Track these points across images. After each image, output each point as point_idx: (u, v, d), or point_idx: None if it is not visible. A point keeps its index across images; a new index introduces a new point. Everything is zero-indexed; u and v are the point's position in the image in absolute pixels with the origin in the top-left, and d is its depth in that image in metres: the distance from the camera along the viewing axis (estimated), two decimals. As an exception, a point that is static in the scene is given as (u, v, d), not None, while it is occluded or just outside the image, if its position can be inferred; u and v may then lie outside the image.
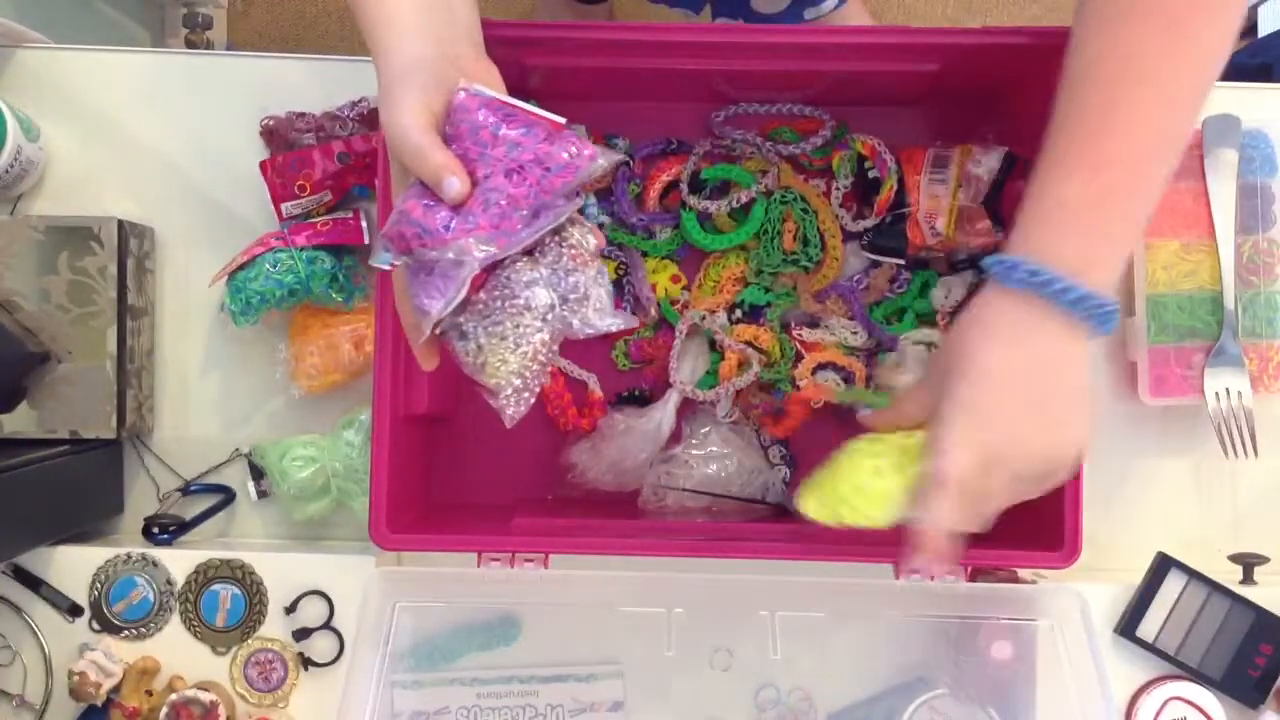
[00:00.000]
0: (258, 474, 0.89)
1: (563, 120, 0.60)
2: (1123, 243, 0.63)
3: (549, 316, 0.61)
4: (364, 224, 0.87)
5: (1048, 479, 0.65)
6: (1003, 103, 0.84)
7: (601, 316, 0.63)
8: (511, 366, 0.62)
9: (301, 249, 0.84)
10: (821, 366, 0.85)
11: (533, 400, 0.64)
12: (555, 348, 0.63)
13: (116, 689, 0.82)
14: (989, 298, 0.63)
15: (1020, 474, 0.63)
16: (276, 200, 0.86)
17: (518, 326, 0.61)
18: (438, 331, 0.62)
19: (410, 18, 0.61)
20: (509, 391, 0.62)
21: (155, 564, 0.84)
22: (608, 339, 0.89)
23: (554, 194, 0.60)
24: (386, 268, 0.62)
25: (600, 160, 0.61)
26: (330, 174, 0.86)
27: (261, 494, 0.89)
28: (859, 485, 0.65)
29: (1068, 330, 0.61)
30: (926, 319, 0.86)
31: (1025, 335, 0.62)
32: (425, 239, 0.59)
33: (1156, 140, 0.61)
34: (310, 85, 0.90)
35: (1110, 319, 0.62)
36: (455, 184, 0.58)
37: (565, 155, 0.60)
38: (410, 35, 0.61)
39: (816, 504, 0.66)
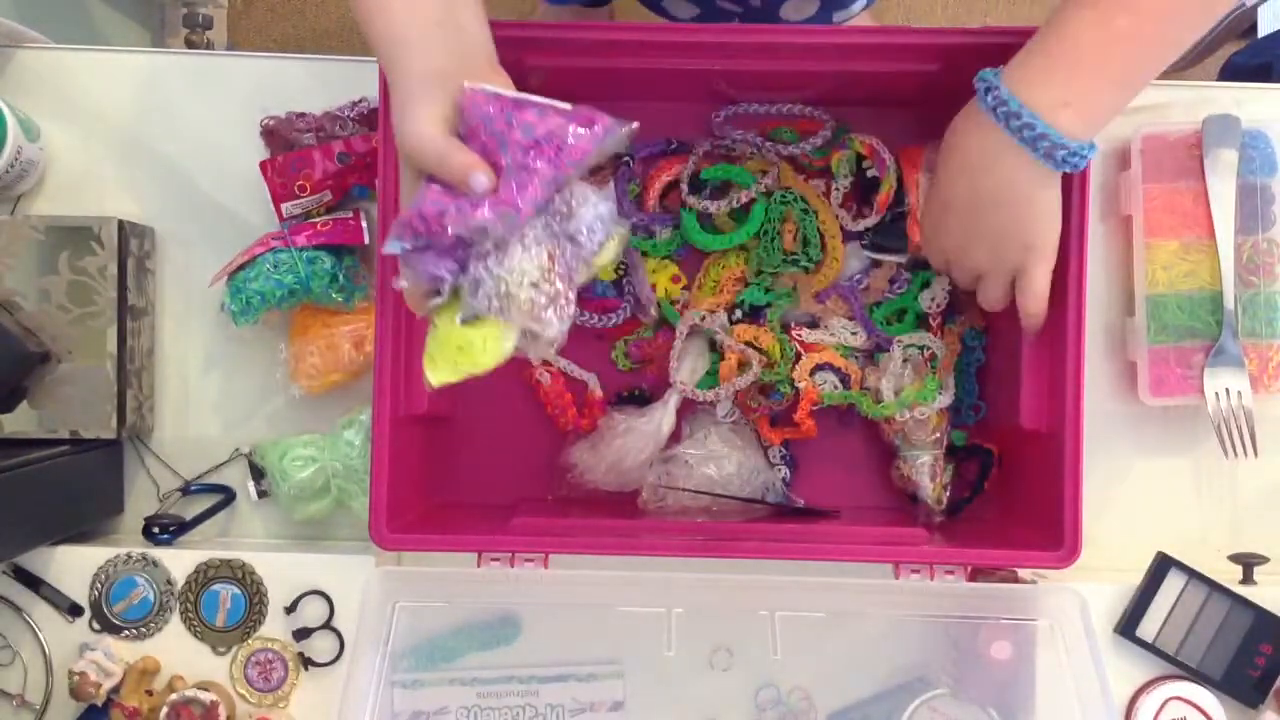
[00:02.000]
0: (258, 474, 0.89)
1: (568, 107, 0.62)
2: (1117, 91, 0.65)
3: (548, 225, 0.63)
4: (364, 224, 0.87)
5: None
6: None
7: (597, 205, 0.63)
8: (533, 277, 0.61)
9: (302, 249, 0.85)
10: (820, 367, 0.85)
11: (571, 310, 0.63)
12: (572, 264, 0.63)
13: (117, 689, 0.82)
14: (970, 115, 0.69)
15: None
16: (276, 200, 0.86)
17: (521, 239, 0.61)
18: (438, 304, 0.63)
19: (421, 36, 0.62)
20: (544, 303, 0.62)
21: (155, 564, 0.84)
22: (607, 339, 0.89)
23: (574, 167, 0.61)
24: (398, 252, 0.62)
25: (615, 131, 0.62)
26: (330, 174, 0.86)
27: (262, 494, 0.89)
28: (464, 340, 0.64)
29: (1027, 164, 0.66)
30: (926, 320, 0.86)
31: (988, 166, 0.68)
32: (449, 215, 0.60)
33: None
34: (310, 85, 0.90)
35: (1070, 162, 0.65)
36: (482, 179, 0.60)
37: (580, 128, 0.61)
38: (422, 52, 0.62)
39: (442, 371, 0.65)
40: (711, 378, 0.86)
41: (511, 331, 0.63)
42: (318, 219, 0.87)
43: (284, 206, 0.86)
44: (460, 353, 0.64)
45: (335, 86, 0.89)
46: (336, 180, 0.87)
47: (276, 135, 0.88)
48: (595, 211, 0.64)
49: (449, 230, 0.60)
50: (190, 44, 1.54)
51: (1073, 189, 0.74)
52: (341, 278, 0.86)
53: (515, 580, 0.76)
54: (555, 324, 0.63)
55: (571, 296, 0.63)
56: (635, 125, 0.63)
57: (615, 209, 0.65)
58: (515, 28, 0.74)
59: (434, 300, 0.63)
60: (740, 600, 0.78)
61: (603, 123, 0.62)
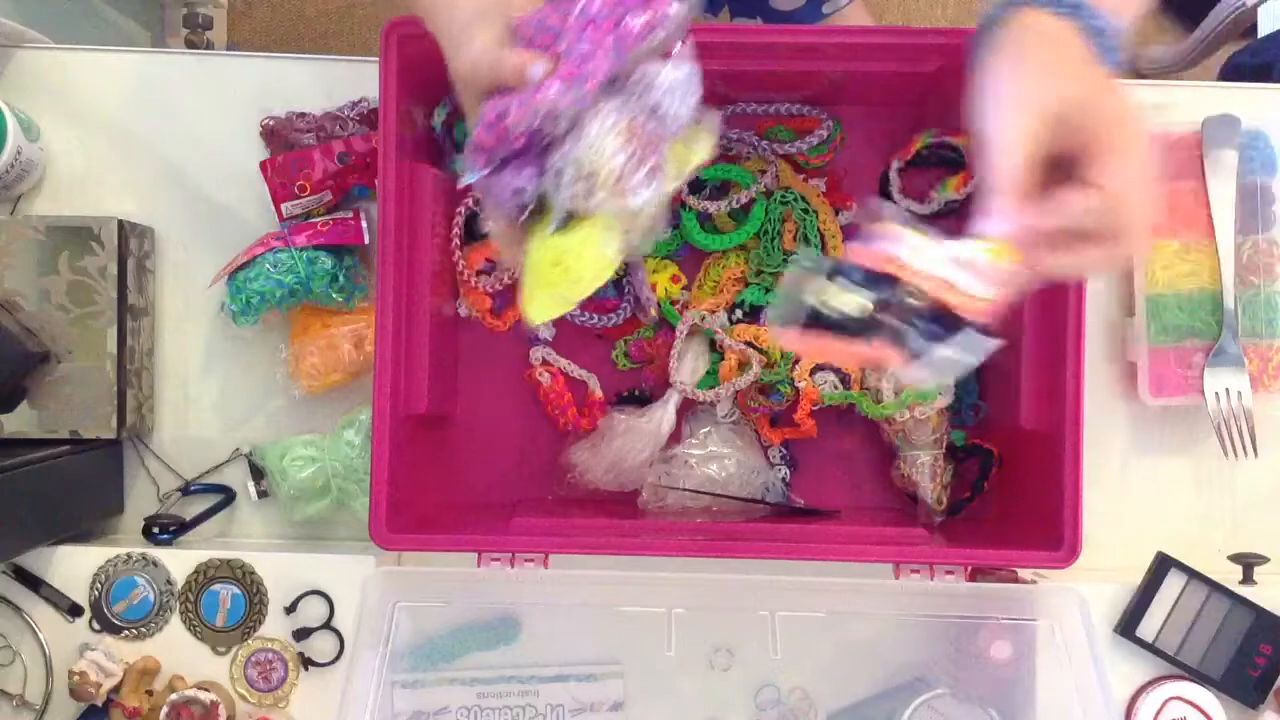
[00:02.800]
0: (258, 474, 0.89)
1: None
2: None
3: (625, 104, 0.57)
4: (364, 224, 0.87)
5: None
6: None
7: (676, 68, 0.57)
8: (613, 147, 0.56)
9: (302, 249, 0.85)
10: (820, 367, 0.85)
11: (661, 177, 0.57)
12: (657, 137, 0.58)
13: (117, 689, 0.82)
14: (1019, 27, 0.60)
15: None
16: (276, 200, 0.86)
17: (596, 114, 0.56)
18: (525, 222, 0.59)
19: None
20: (631, 169, 0.56)
21: (155, 564, 0.84)
22: (607, 339, 0.89)
23: (638, 43, 0.57)
24: (474, 179, 0.58)
25: (676, 5, 0.57)
26: (330, 174, 0.86)
27: (262, 494, 0.89)
28: (558, 254, 0.59)
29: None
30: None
31: (1065, 48, 0.59)
32: (512, 111, 0.56)
33: None
34: (310, 85, 0.90)
35: (1116, 54, 0.60)
36: (539, 66, 0.56)
37: (639, 5, 0.56)
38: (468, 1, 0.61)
39: (540, 302, 0.61)
40: (711, 378, 0.86)
41: (607, 230, 0.58)
42: (318, 219, 0.87)
43: (284, 206, 0.86)
44: (557, 270, 0.58)
45: (335, 86, 0.89)
46: (336, 180, 0.87)
47: (276, 135, 0.88)
48: (673, 75, 0.58)
49: (517, 128, 0.56)
50: (190, 44, 1.54)
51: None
52: (341, 278, 0.86)
53: (515, 580, 0.76)
54: (646, 191, 0.57)
55: (660, 164, 0.57)
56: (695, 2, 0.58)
57: (698, 75, 0.59)
58: (515, 28, 0.74)
59: (521, 219, 0.58)
60: (740, 600, 0.78)
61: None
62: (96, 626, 0.84)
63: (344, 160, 0.86)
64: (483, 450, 0.89)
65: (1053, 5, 0.61)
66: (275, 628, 0.84)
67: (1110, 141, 0.57)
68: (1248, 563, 0.84)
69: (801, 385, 0.84)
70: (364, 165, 0.87)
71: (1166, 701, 0.82)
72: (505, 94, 0.57)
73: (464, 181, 0.59)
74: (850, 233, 0.87)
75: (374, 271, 0.77)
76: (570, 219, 0.58)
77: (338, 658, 0.84)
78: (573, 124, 0.57)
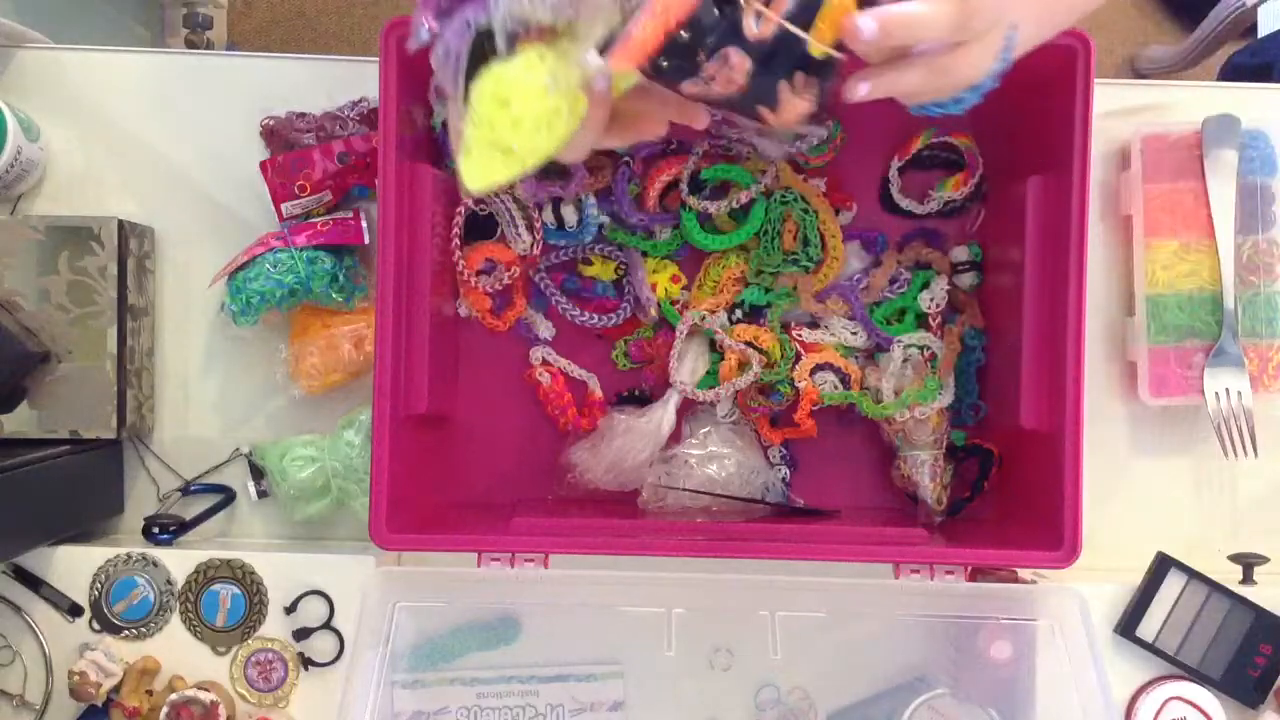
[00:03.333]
0: (258, 474, 0.89)
1: None
2: None
3: None
4: (364, 224, 0.87)
5: None
6: (1000, 99, 0.83)
7: None
8: None
9: (301, 249, 0.85)
10: (820, 367, 0.85)
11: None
12: None
13: (117, 689, 0.82)
14: None
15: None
16: (276, 200, 0.86)
17: None
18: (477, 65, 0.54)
19: None
20: None
21: (155, 564, 0.84)
22: (607, 339, 0.89)
23: None
24: (426, 39, 0.55)
25: None
26: (330, 174, 0.86)
27: (262, 494, 0.89)
28: (499, 87, 0.54)
29: None
30: (926, 320, 0.87)
31: None
32: None
33: None
34: (310, 85, 0.90)
35: None
36: None
37: None
38: None
39: (481, 164, 0.55)
40: (711, 378, 0.86)
41: (550, 52, 0.53)
42: (318, 219, 0.87)
43: (284, 206, 0.86)
44: (500, 110, 0.53)
45: (335, 86, 0.89)
46: (336, 180, 0.87)
47: (276, 135, 0.88)
48: None
49: None
50: (190, 44, 1.54)
51: (1073, 189, 0.74)
52: (341, 278, 0.86)
53: (515, 580, 0.76)
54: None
55: None
56: None
57: None
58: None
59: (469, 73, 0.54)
60: (740, 600, 0.78)
61: None
62: (96, 626, 0.84)
63: (344, 160, 0.86)
64: (483, 450, 0.89)
65: None
66: (275, 628, 0.84)
67: None
68: (1248, 563, 0.84)
69: (801, 385, 0.84)
70: (364, 165, 0.87)
71: (1166, 701, 0.82)
72: None
73: (416, 41, 0.56)
74: (851, 233, 0.87)
75: (374, 271, 0.77)
76: (513, 46, 0.54)
77: (338, 658, 0.84)
78: None
